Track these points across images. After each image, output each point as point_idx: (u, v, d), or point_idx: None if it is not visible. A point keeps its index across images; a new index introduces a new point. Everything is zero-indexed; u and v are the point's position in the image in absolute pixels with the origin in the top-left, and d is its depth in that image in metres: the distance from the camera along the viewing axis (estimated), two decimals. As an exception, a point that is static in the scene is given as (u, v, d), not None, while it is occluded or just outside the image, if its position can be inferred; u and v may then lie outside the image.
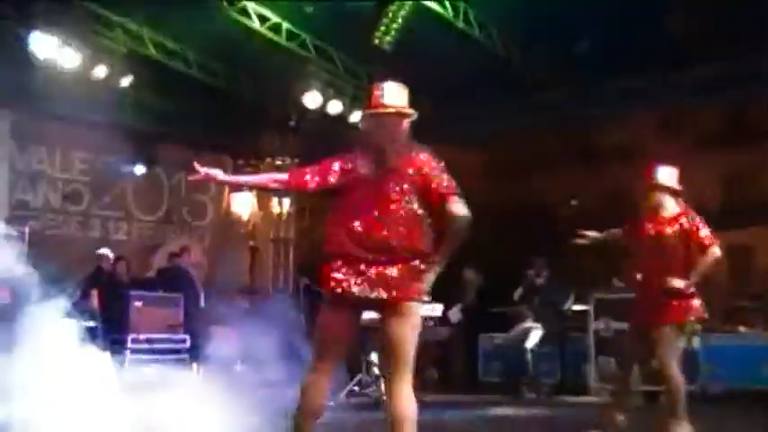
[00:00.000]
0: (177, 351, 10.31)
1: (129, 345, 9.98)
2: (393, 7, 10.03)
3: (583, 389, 9.96)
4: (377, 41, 10.12)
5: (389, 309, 3.87)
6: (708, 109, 11.31)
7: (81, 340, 6.72)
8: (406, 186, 3.90)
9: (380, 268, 3.85)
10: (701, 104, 11.01)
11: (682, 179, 5.87)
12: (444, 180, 3.92)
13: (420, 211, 3.92)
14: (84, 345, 6.80)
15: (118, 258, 11.53)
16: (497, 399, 9.37)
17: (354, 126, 10.96)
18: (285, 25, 10.92)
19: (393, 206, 3.89)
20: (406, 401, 3.84)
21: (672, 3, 8.96)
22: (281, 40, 10.95)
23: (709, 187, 11.13)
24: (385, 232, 3.86)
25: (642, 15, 9.09)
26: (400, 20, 10.14)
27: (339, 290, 3.86)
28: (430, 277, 3.91)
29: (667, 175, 5.79)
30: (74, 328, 7.00)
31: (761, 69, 9.67)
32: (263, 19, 10.68)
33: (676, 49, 9.41)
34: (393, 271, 3.84)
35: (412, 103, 4.10)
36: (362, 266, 3.85)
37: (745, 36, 9.00)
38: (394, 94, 4.06)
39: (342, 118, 11.95)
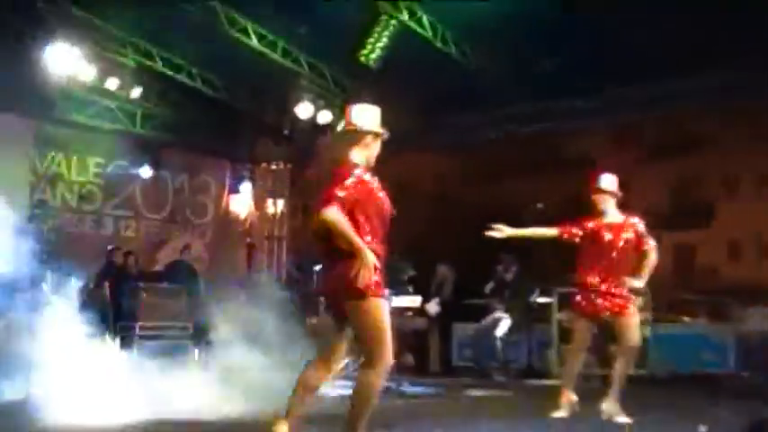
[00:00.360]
0: (181, 338, 10.33)
1: (138, 332, 9.99)
2: (378, 29, 10.09)
3: (547, 373, 10.04)
4: (362, 59, 10.17)
5: (347, 308, 3.92)
6: (657, 122, 11.44)
7: (93, 327, 6.76)
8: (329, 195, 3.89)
9: (328, 272, 3.97)
10: (651, 118, 11.13)
11: (635, 186, 6.02)
12: (330, 188, 3.85)
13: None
14: (96, 331, 6.85)
15: (127, 253, 11.58)
16: (470, 382, 9.41)
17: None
18: (281, 43, 11.01)
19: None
20: (359, 380, 3.90)
21: (629, 29, 9.05)
22: (277, 56, 11.02)
23: (658, 193, 11.29)
24: (320, 240, 3.91)
25: (599, 38, 9.19)
26: (385, 39, 10.18)
27: (317, 291, 4.13)
28: (362, 273, 3.77)
29: (609, 181, 6.03)
30: (87, 316, 7.04)
31: (702, 87, 9.84)
32: (260, 37, 10.75)
33: (631, 68, 9.52)
34: (332, 273, 3.90)
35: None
36: (321, 269, 4.09)
37: (692, 56, 9.11)
38: (360, 115, 4.11)
39: (331, 127, 12.00)
